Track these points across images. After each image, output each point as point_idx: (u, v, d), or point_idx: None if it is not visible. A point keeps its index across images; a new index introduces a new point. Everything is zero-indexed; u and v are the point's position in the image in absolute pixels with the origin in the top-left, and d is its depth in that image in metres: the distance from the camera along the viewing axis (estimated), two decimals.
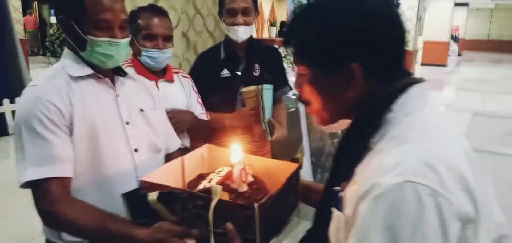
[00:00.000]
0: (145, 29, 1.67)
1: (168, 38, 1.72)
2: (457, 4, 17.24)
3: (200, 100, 1.87)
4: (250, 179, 0.98)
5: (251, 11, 1.95)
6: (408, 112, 0.73)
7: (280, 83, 2.08)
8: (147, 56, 1.68)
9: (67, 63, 1.19)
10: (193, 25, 2.54)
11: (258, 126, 1.90)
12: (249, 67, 2.02)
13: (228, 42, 2.01)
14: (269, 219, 0.84)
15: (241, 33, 1.93)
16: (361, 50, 0.74)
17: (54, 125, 1.08)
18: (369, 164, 0.70)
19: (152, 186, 0.92)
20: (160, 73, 1.75)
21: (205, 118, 1.85)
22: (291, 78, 2.12)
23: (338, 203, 0.74)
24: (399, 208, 0.61)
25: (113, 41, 1.14)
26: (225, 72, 2.00)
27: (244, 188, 0.93)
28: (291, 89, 2.17)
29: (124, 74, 1.30)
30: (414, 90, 0.75)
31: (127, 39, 1.19)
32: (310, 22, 0.77)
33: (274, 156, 2.44)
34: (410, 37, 9.41)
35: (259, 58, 2.04)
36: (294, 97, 2.85)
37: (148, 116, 1.30)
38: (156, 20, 1.68)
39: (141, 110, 1.29)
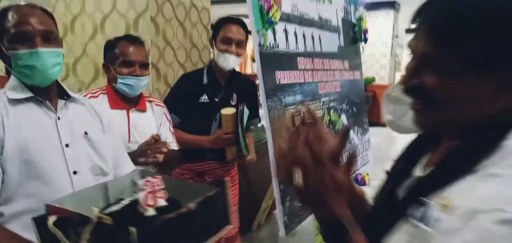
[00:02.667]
0: (123, 56, 1.63)
1: (145, 66, 1.67)
2: None
3: (172, 129, 1.82)
4: (162, 203, 0.89)
5: (243, 44, 2.03)
6: None
7: (252, 115, 2.09)
8: (123, 83, 1.62)
9: (9, 87, 1.14)
10: (163, 57, 2.49)
11: (232, 147, 1.92)
12: (227, 96, 2.03)
13: (211, 69, 2.02)
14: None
15: (232, 62, 1.97)
16: None
17: None
18: (476, 188, 0.58)
19: (55, 210, 0.83)
20: (133, 102, 1.69)
21: (175, 148, 1.78)
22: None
23: (426, 218, 0.61)
24: None
25: (33, 51, 1.08)
26: (204, 98, 2.00)
27: (150, 212, 0.84)
28: (260, 121, 2.19)
29: (67, 97, 1.23)
30: None
31: (51, 49, 1.12)
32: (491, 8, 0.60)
33: (250, 183, 2.38)
34: (385, 72, 9.43)
35: (237, 89, 2.07)
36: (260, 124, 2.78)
37: (93, 139, 1.23)
38: (132, 48, 1.65)
39: (85, 133, 1.22)
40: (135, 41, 1.70)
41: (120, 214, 0.79)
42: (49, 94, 1.18)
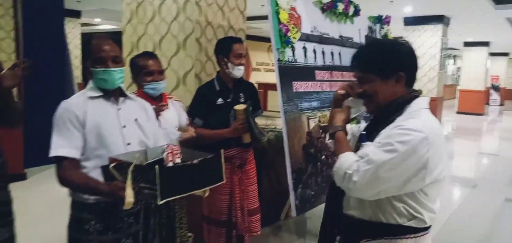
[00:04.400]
0: (145, 68, 2.18)
1: (161, 72, 2.23)
2: (493, 54, 16.52)
3: (187, 117, 2.37)
4: (178, 160, 1.40)
5: (245, 57, 2.52)
6: (418, 108, 1.32)
7: (256, 108, 2.60)
8: (148, 88, 2.18)
9: (88, 89, 1.71)
10: (204, 69, 3.06)
11: (246, 134, 2.43)
12: (236, 96, 2.54)
13: (221, 77, 2.54)
14: (170, 180, 1.26)
15: (242, 71, 2.49)
16: (405, 67, 1.35)
17: (69, 124, 1.58)
18: (392, 127, 1.27)
19: (114, 160, 1.39)
20: (158, 99, 2.23)
21: (192, 131, 2.34)
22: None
23: (364, 141, 1.36)
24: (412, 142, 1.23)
25: (106, 69, 1.63)
26: (220, 100, 2.51)
27: (170, 165, 1.36)
28: (262, 112, 2.66)
29: (125, 96, 1.78)
30: (421, 99, 1.37)
31: (117, 68, 1.65)
32: (378, 51, 1.38)
33: (278, 176, 2.80)
34: (433, 85, 9.29)
35: (243, 90, 2.58)
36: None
37: (141, 124, 1.75)
38: (151, 61, 2.21)
39: (136, 119, 1.75)
40: (152, 55, 2.25)
41: (151, 163, 1.32)
42: (114, 94, 1.72)
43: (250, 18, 5.02)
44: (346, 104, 1.51)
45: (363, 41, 3.83)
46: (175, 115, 2.29)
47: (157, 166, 1.21)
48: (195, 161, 1.36)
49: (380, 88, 1.34)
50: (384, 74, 1.33)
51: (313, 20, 3.14)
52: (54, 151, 1.56)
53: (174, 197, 1.31)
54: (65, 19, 6.14)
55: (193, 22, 2.96)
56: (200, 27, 3.00)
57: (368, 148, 1.28)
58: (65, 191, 1.65)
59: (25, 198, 4.11)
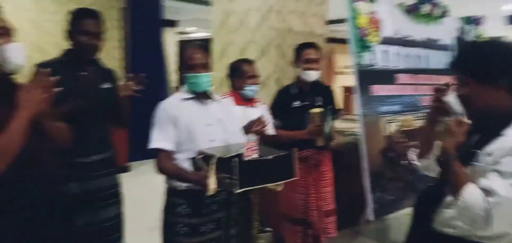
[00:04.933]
0: (248, 72, 2.42)
1: (258, 77, 2.47)
2: None
3: (271, 121, 2.52)
4: (255, 156, 1.57)
5: (319, 60, 2.63)
6: None
7: (332, 111, 2.64)
8: (249, 89, 2.40)
9: (182, 91, 1.97)
10: (285, 74, 3.21)
11: (320, 136, 2.53)
12: (313, 99, 2.65)
13: (299, 82, 2.67)
14: (248, 172, 1.42)
15: (313, 76, 2.60)
16: (509, 72, 1.24)
17: (165, 122, 1.85)
18: (502, 143, 1.20)
19: (201, 153, 1.60)
20: (249, 101, 2.45)
21: (271, 132, 2.49)
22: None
23: (474, 159, 1.26)
24: None
25: (197, 74, 1.86)
26: (296, 103, 2.64)
27: (248, 159, 1.53)
28: (339, 115, 2.70)
29: (212, 98, 2.00)
30: None
31: (206, 73, 1.88)
32: (474, 53, 1.31)
33: (360, 180, 2.88)
34: None
35: (320, 93, 2.68)
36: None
37: (224, 123, 1.96)
38: (253, 66, 2.46)
39: (220, 119, 1.95)
40: (251, 61, 2.47)
41: (231, 157, 1.51)
42: (202, 96, 1.95)
43: (335, 21, 5.05)
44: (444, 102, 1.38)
45: (453, 43, 3.64)
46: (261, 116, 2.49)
47: (236, 159, 1.38)
48: (270, 157, 1.51)
49: (477, 92, 1.26)
50: (480, 78, 1.25)
51: (395, 23, 3.10)
52: (153, 144, 1.84)
53: (251, 188, 1.48)
54: (163, 29, 6.80)
55: (275, 30, 3.14)
56: (281, 34, 3.16)
57: (496, 183, 1.17)
58: (160, 182, 1.93)
59: (128, 187, 4.67)
